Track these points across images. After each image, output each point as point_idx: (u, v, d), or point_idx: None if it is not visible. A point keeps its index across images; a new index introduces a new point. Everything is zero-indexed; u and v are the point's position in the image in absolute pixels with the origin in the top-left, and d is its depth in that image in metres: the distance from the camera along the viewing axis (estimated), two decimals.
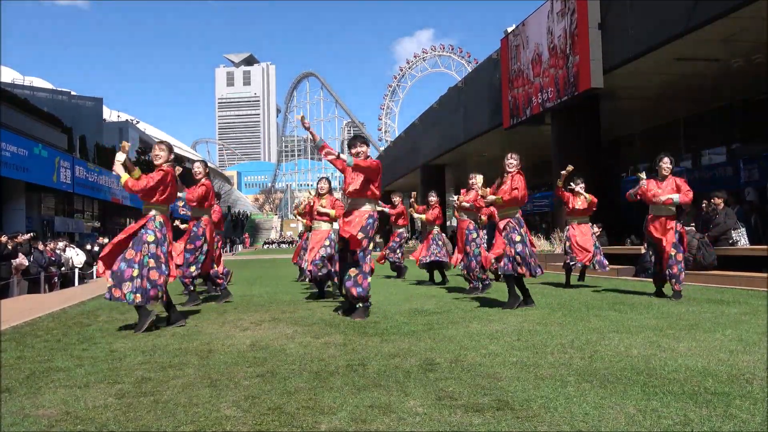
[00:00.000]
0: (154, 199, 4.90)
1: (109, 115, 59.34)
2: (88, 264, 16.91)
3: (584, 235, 8.16)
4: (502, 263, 5.80)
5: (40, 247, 14.50)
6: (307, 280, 8.06)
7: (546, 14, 15.15)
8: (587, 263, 8.13)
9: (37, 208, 27.13)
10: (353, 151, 5.44)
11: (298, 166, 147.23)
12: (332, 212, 7.01)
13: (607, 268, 8.45)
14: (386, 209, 9.58)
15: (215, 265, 7.09)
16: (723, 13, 9.78)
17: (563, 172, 7.89)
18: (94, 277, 16.29)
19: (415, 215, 10.03)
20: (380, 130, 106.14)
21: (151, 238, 4.80)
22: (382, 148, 72.28)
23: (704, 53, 11.68)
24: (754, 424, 2.24)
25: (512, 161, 5.96)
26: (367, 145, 5.57)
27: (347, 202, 5.63)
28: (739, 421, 2.27)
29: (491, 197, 5.88)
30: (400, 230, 10.57)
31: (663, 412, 2.38)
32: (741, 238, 9.29)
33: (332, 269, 6.69)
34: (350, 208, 5.44)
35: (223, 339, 4.34)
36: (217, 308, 6.43)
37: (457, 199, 7.88)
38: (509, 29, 17.85)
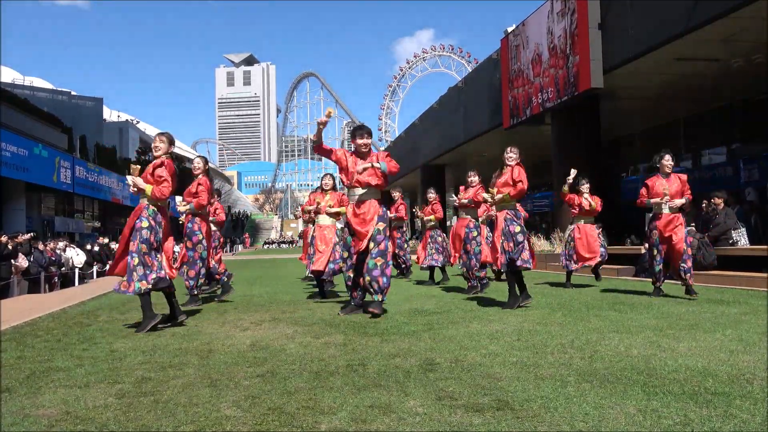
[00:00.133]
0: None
1: (109, 115, 59.35)
2: (89, 264, 16.92)
3: (590, 236, 8.15)
4: (503, 260, 5.80)
5: (41, 247, 14.51)
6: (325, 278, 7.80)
7: (546, 14, 15.15)
8: (591, 263, 8.13)
9: (37, 208, 27.14)
10: (360, 141, 5.42)
11: (299, 166, 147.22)
12: (342, 210, 7.01)
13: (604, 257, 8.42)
14: (393, 214, 9.65)
15: (214, 262, 7.09)
16: (723, 13, 9.78)
17: (568, 178, 7.90)
18: (94, 277, 16.30)
19: (425, 218, 9.89)
20: (380, 130, 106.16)
21: (144, 224, 4.80)
22: (382, 148, 72.18)
23: (704, 53, 11.68)
24: (755, 424, 2.24)
25: (512, 155, 5.98)
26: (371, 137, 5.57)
27: (350, 194, 5.52)
28: (740, 421, 2.27)
29: (499, 195, 5.88)
30: (401, 227, 10.69)
31: (663, 412, 2.38)
32: (741, 238, 9.29)
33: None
34: (362, 199, 5.38)
35: (223, 339, 4.34)
36: (217, 308, 6.42)
37: (457, 198, 7.87)
38: (509, 29, 17.86)
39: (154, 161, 4.98)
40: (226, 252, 39.66)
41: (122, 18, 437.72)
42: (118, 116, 61.04)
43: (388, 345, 3.93)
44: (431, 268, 9.54)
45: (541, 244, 14.47)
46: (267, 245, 69.30)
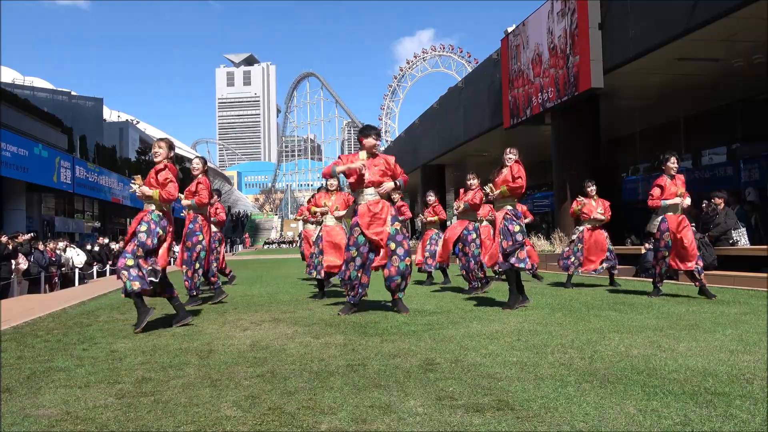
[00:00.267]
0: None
1: (109, 115, 59.26)
2: (89, 264, 16.92)
3: (599, 241, 8.15)
4: (501, 260, 5.81)
5: (41, 247, 14.50)
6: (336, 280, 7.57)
7: (546, 14, 15.15)
8: (595, 268, 8.16)
9: (38, 208, 27.12)
10: (370, 141, 5.49)
11: (299, 166, 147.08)
12: (347, 211, 7.02)
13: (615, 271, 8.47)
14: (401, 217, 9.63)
15: (214, 266, 7.09)
16: (723, 13, 9.78)
17: (578, 207, 8.22)
18: (95, 277, 16.31)
19: (427, 220, 9.83)
20: (380, 130, 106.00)
21: (143, 228, 4.83)
22: (382, 149, 72.16)
23: (704, 53, 11.68)
24: (755, 424, 2.24)
25: (511, 156, 6.00)
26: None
27: (363, 194, 5.53)
28: (740, 421, 2.27)
29: (497, 191, 5.90)
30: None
31: (663, 412, 2.38)
32: (741, 238, 9.30)
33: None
34: (375, 199, 5.46)
35: (223, 339, 4.34)
36: (217, 308, 6.42)
37: (457, 208, 7.90)
38: (509, 29, 17.85)
39: (156, 166, 5.01)
40: (225, 252, 39.60)
41: (122, 18, 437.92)
42: (118, 116, 60.96)
43: (388, 345, 3.93)
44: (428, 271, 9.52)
45: (541, 244, 14.47)
46: (267, 245, 69.30)
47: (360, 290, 5.58)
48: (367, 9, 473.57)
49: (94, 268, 16.80)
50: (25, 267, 12.76)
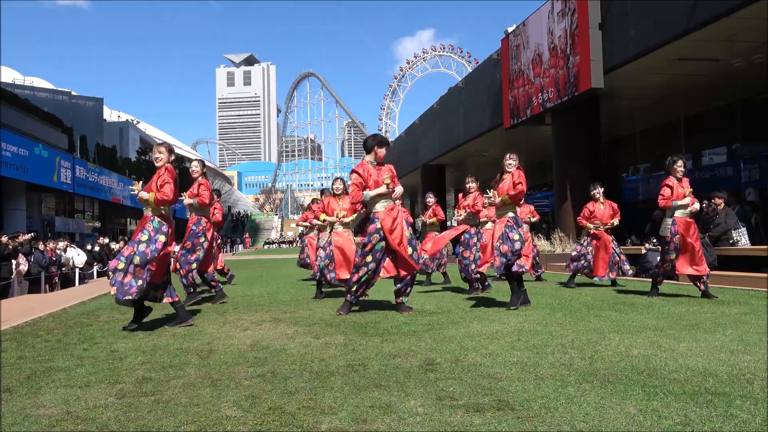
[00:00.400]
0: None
1: (110, 115, 59.24)
2: (89, 264, 16.92)
3: (608, 245, 8.13)
4: (498, 263, 5.82)
5: (41, 247, 14.50)
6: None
7: (546, 14, 15.15)
8: (603, 276, 8.18)
9: (38, 208, 27.11)
10: (383, 152, 5.67)
11: (299, 166, 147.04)
12: (355, 217, 7.06)
13: (629, 273, 8.49)
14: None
15: (213, 266, 7.10)
16: (723, 14, 9.78)
17: (591, 225, 8.26)
18: (95, 277, 16.30)
19: (428, 221, 9.80)
20: (380, 130, 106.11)
21: (144, 237, 4.82)
22: None
23: (704, 53, 11.68)
24: (755, 425, 2.24)
25: (511, 161, 6.01)
26: None
27: (380, 200, 5.62)
28: (740, 421, 2.27)
29: (498, 199, 5.91)
30: None
31: (663, 413, 2.39)
32: (741, 238, 9.30)
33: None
34: (392, 205, 5.60)
35: (223, 339, 4.35)
36: (217, 308, 6.43)
37: (458, 216, 7.91)
38: (509, 29, 17.85)
39: (157, 171, 5.06)
40: (225, 252, 39.67)
41: (122, 18, 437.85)
42: (119, 116, 60.94)
43: (388, 345, 3.93)
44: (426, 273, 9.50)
45: (541, 244, 14.47)
46: (267, 245, 69.32)
47: (361, 291, 5.68)
48: (367, 9, 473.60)
49: (95, 268, 16.79)
50: (25, 268, 12.76)
